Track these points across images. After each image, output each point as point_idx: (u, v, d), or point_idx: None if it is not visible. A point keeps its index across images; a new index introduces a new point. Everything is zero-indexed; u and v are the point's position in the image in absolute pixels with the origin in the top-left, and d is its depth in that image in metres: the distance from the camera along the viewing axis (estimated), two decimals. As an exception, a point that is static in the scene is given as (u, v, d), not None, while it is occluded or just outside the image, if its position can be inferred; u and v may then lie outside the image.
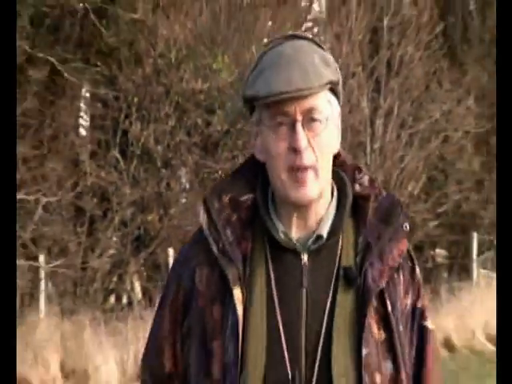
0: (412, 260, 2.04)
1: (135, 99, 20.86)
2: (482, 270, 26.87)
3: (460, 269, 27.78)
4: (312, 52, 1.96)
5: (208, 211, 1.99)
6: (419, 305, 2.00)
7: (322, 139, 1.91)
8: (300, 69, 1.89)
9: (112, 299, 20.93)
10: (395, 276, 1.96)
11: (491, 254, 27.17)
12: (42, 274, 19.68)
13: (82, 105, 24.38)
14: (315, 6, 28.01)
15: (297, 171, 1.88)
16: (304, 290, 1.90)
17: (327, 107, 1.94)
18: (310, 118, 1.88)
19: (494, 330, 20.05)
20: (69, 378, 17.10)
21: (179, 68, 19.67)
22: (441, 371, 2.08)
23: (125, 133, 20.32)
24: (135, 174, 19.54)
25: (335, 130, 1.99)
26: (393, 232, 1.98)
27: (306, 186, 1.88)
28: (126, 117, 20.10)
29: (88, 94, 23.76)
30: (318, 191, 1.92)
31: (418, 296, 2.00)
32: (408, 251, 2.03)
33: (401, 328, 1.93)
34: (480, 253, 27.38)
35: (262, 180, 2.06)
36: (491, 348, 20.89)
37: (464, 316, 22.18)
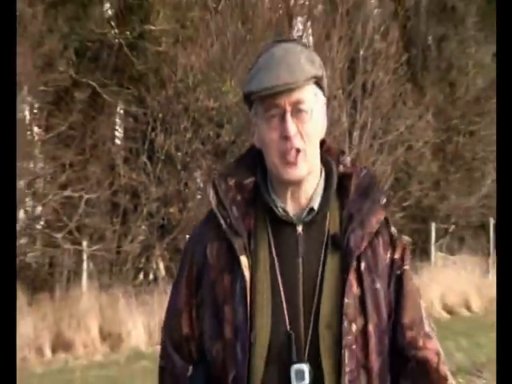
0: (389, 226, 2.10)
1: (160, 115, 20.80)
2: (439, 253, 26.57)
3: (421, 252, 26.14)
4: (298, 52, 2.03)
5: (217, 192, 2.04)
6: (397, 256, 2.05)
7: (308, 127, 1.98)
8: (288, 66, 1.96)
9: (141, 276, 21.32)
10: (375, 240, 2.03)
11: (446, 240, 27.63)
12: (85, 256, 19.52)
13: (117, 120, 24.21)
14: (304, 41, 26.25)
15: (288, 154, 1.95)
16: (300, 259, 1.96)
17: (313, 99, 2.02)
18: (297, 109, 1.96)
19: (448, 301, 22.05)
20: (105, 340, 17.36)
21: (195, 90, 19.97)
22: (419, 293, 2.18)
23: (151, 142, 20.42)
24: (160, 175, 19.97)
25: (321, 119, 2.08)
26: (371, 204, 2.04)
27: (297, 167, 1.96)
28: (153, 129, 20.21)
29: (122, 111, 23.79)
30: (307, 171, 2.00)
31: (394, 251, 2.05)
32: (385, 219, 2.10)
33: (378, 285, 1.99)
34: (437, 239, 26.83)
35: (260, 165, 2.11)
36: (446, 316, 21.35)
37: (424, 290, 20.65)
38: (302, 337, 1.90)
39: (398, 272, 2.05)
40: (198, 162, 20.40)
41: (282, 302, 1.92)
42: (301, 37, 26.88)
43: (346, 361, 1.87)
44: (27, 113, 21.87)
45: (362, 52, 25.28)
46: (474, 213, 28.54)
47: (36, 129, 22.19)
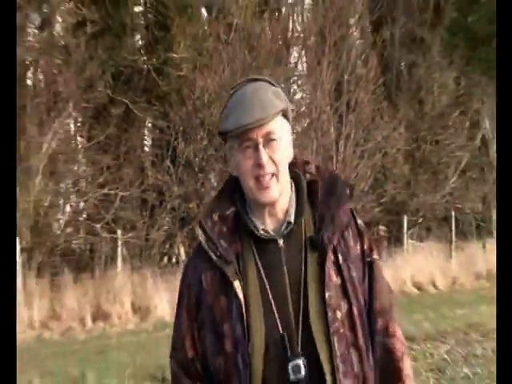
0: (355, 218, 2.04)
1: (181, 128, 21.12)
2: (410, 240, 25.72)
3: (395, 239, 26.26)
4: (267, 89, 1.96)
5: (204, 230, 1.98)
6: (365, 247, 2.01)
7: (278, 154, 1.92)
8: (260, 102, 1.90)
9: (165, 259, 21.77)
10: (345, 233, 1.97)
11: (416, 230, 27.59)
12: (119, 243, 19.94)
13: (145, 131, 25.03)
14: (299, 67, 28.18)
15: (262, 179, 1.89)
16: (285, 268, 1.90)
17: (280, 129, 1.95)
18: (268, 139, 1.90)
19: (418, 280, 21.83)
20: (136, 312, 17.75)
21: (210, 107, 20.27)
22: (388, 284, 2.13)
23: (174, 149, 20.81)
24: (181, 177, 20.23)
25: (288, 145, 2.00)
26: (337, 199, 1.98)
27: (270, 190, 1.90)
28: (175, 139, 20.54)
29: (150, 124, 24.41)
30: (279, 193, 1.94)
31: (363, 242, 2.01)
32: (352, 213, 2.04)
33: (354, 274, 1.94)
34: (408, 229, 26.21)
35: (239, 194, 2.05)
36: (416, 292, 21.16)
37: (398, 271, 20.59)
38: (295, 334, 1.85)
39: (369, 260, 2.01)
40: (213, 166, 20.74)
41: (273, 310, 1.88)
42: (296, 63, 28.07)
43: (336, 345, 1.83)
44: (72, 125, 22.91)
45: (346, 76, 25.01)
46: (438, 207, 28.07)
47: (79, 138, 23.08)
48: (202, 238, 1.97)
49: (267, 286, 1.90)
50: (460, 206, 27.81)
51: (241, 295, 1.86)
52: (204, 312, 1.95)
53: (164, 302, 16.69)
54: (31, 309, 17.27)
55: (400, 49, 28.82)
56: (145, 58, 23.35)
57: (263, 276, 1.91)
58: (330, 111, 24.27)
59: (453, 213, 27.09)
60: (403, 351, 2.03)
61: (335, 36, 24.28)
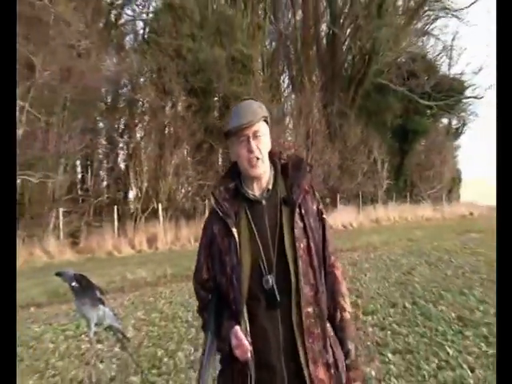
0: (313, 188, 2.58)
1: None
2: (339, 206, 32.41)
3: (332, 205, 32.47)
4: (254, 103, 2.57)
5: (215, 197, 2.55)
6: (320, 207, 2.60)
7: (262, 145, 2.52)
8: (248, 111, 2.51)
9: None
10: (307, 196, 2.56)
11: (343, 200, 33.79)
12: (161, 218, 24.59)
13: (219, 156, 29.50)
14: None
15: (252, 161, 2.49)
16: (266, 217, 2.49)
17: (263, 129, 2.55)
18: (255, 135, 2.50)
19: (344, 223, 30.55)
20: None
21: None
22: (333, 240, 2.64)
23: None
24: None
25: (268, 140, 2.59)
26: (301, 173, 2.56)
27: (257, 168, 2.51)
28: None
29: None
30: (263, 170, 2.54)
31: (318, 203, 2.59)
32: (310, 183, 2.60)
33: (311, 222, 2.52)
34: (340, 199, 33.02)
35: (237, 173, 2.61)
36: (343, 228, 28.87)
37: (334, 219, 28.97)
38: (272, 259, 2.41)
39: (322, 217, 2.58)
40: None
41: (257, 244, 2.43)
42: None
43: (300, 263, 2.39)
44: (185, 151, 28.94)
45: (311, 129, 31.75)
46: (353, 190, 35.10)
47: (188, 158, 29.14)
48: (213, 201, 2.56)
49: (254, 231, 2.45)
50: (364, 189, 36.32)
51: (236, 237, 2.43)
52: (214, 248, 2.52)
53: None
54: (167, 236, 23.96)
55: (336, 117, 35.05)
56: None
57: (252, 224, 2.48)
58: (305, 145, 31.18)
59: (360, 192, 35.85)
60: (342, 277, 2.63)
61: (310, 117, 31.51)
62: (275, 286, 2.36)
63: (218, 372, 2.50)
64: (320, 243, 2.53)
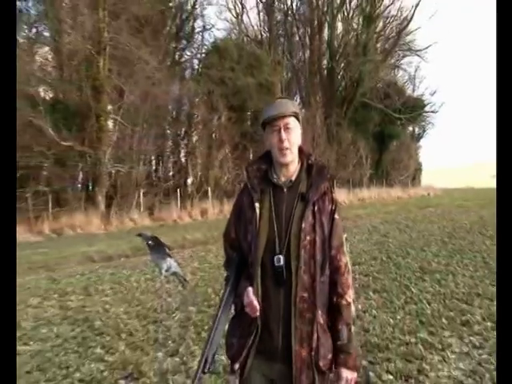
0: (332, 191, 2.15)
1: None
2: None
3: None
4: (287, 101, 2.19)
5: (247, 173, 2.20)
6: (333, 208, 2.13)
7: (292, 136, 2.13)
8: (281, 105, 2.15)
9: None
10: (324, 196, 2.12)
11: (336, 184, 31.64)
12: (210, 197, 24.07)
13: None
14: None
15: (282, 150, 2.12)
16: (284, 204, 2.11)
17: (293, 123, 2.14)
18: (286, 127, 2.12)
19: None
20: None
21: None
22: (341, 236, 2.17)
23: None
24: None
25: (298, 133, 2.17)
26: (322, 178, 2.13)
27: (286, 156, 2.12)
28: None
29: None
30: (291, 159, 2.15)
31: (333, 204, 2.13)
32: (330, 187, 2.16)
33: (323, 218, 2.09)
34: (335, 183, 33.01)
35: (270, 159, 2.22)
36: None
37: None
38: (283, 241, 2.05)
39: (334, 217, 2.14)
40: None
41: (273, 224, 2.08)
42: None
43: (303, 253, 2.03)
44: (227, 150, 29.05)
45: (315, 138, 30.35)
46: (346, 177, 33.31)
47: (229, 154, 28.25)
48: (245, 177, 2.20)
49: (273, 212, 2.10)
50: (353, 177, 34.69)
51: (258, 212, 2.09)
52: (241, 216, 2.19)
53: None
54: (214, 209, 23.97)
55: (333, 126, 33.57)
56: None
57: (272, 206, 2.11)
58: (311, 146, 29.49)
59: (350, 179, 34.21)
60: (346, 269, 2.16)
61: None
62: (284, 266, 2.03)
63: (231, 317, 2.20)
64: (327, 238, 2.12)
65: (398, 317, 6.06)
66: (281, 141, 2.11)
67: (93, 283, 9.05)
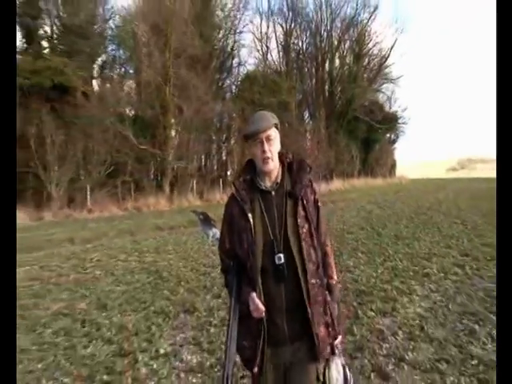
0: (311, 182, 1.83)
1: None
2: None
3: (324, 179, 29.21)
4: (267, 113, 1.81)
5: (235, 186, 1.81)
6: (316, 197, 1.83)
7: (273, 147, 1.77)
8: (262, 119, 1.77)
9: None
10: (307, 189, 1.80)
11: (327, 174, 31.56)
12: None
13: None
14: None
15: (265, 159, 1.76)
16: (274, 206, 1.75)
17: (274, 134, 1.78)
18: (268, 139, 1.75)
19: (334, 190, 29.39)
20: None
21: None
22: (325, 222, 1.88)
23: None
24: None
25: (278, 143, 1.81)
26: (303, 172, 1.81)
27: (269, 164, 1.76)
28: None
29: None
30: (273, 166, 1.78)
31: (315, 194, 1.83)
32: (310, 179, 1.83)
33: (311, 210, 1.78)
34: (329, 171, 29.75)
35: (253, 168, 1.84)
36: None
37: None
38: (278, 241, 1.71)
39: (317, 205, 1.84)
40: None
41: (267, 227, 1.72)
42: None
43: (304, 245, 1.70)
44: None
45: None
46: (342, 169, 32.54)
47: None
48: (233, 190, 1.81)
49: (265, 216, 1.74)
50: (347, 170, 33.45)
51: (251, 220, 1.72)
52: (233, 226, 1.79)
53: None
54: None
55: (332, 133, 32.28)
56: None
57: (264, 211, 1.75)
58: (316, 148, 28.27)
59: (345, 172, 32.61)
60: (332, 252, 1.88)
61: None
62: (285, 263, 1.70)
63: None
64: (315, 226, 1.81)
65: (379, 271, 6.04)
66: (264, 152, 1.76)
67: (161, 245, 9.10)
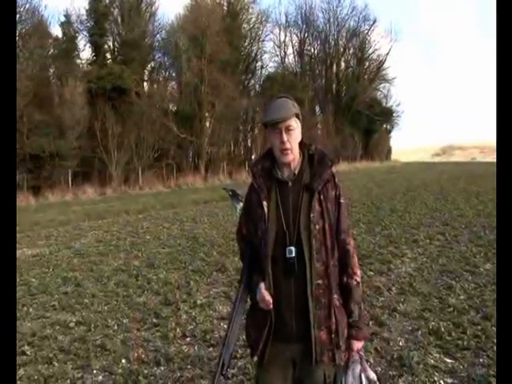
0: (334, 177, 1.43)
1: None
2: None
3: None
4: (288, 100, 1.43)
5: (253, 173, 1.46)
6: (337, 193, 1.41)
7: (292, 137, 1.39)
8: (283, 108, 1.40)
9: None
10: (327, 184, 1.40)
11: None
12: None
13: None
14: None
15: (283, 151, 1.39)
16: (290, 197, 1.39)
17: (294, 124, 1.40)
18: (287, 129, 1.38)
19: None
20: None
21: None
22: (348, 220, 1.47)
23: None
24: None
25: (298, 133, 1.42)
26: (324, 167, 1.41)
27: (288, 156, 1.39)
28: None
29: None
30: (292, 157, 1.40)
31: (337, 190, 1.42)
32: (333, 174, 1.43)
33: (329, 206, 1.39)
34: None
35: (272, 156, 1.44)
36: None
37: None
38: (292, 234, 1.36)
39: (339, 201, 1.43)
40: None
41: (281, 218, 1.38)
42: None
43: (314, 242, 1.35)
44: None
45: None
46: (346, 154, 31.81)
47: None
48: (251, 177, 1.49)
49: (280, 207, 1.40)
50: (351, 155, 31.98)
51: (266, 209, 1.40)
52: (251, 214, 1.47)
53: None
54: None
55: (339, 124, 31.17)
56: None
57: (279, 201, 1.41)
58: (326, 137, 27.93)
59: (349, 156, 31.84)
60: (354, 251, 1.46)
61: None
62: (296, 257, 1.35)
63: (248, 308, 1.48)
64: (335, 223, 1.42)
65: (377, 238, 5.94)
66: (282, 143, 1.39)
67: (198, 216, 9.01)
